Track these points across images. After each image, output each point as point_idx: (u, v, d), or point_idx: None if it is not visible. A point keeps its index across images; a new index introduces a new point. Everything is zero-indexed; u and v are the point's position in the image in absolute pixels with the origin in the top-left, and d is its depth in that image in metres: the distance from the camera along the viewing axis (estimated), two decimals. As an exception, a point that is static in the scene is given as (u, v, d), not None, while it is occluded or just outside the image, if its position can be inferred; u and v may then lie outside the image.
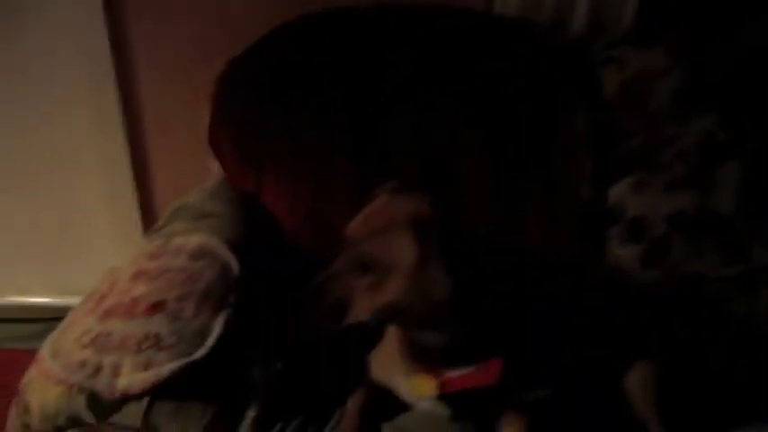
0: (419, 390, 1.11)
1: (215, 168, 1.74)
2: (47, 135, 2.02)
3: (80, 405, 0.98)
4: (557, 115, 1.71)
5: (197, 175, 1.77)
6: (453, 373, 1.07)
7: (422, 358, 1.08)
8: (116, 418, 0.99)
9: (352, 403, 1.13)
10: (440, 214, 0.98)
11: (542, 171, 1.69)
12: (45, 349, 1.07)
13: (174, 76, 1.94)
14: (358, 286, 0.93)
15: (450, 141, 1.67)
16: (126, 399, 0.98)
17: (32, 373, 1.06)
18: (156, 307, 1.10)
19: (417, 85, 1.69)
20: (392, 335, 1.16)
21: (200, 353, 1.05)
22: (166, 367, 1.00)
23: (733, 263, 1.57)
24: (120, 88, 1.93)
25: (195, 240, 1.33)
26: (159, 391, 0.99)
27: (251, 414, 1.05)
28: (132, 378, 0.99)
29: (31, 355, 1.10)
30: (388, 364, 1.16)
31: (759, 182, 1.56)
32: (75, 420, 0.99)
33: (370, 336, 1.19)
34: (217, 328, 1.11)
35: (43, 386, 1.01)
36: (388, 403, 1.15)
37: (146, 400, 0.99)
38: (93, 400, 0.98)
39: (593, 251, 1.67)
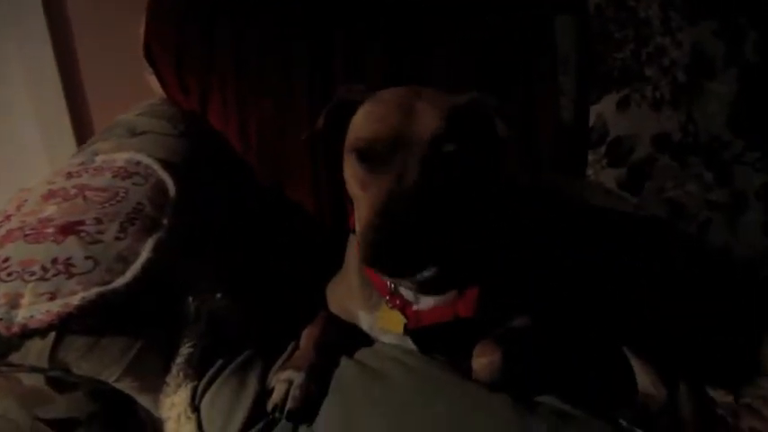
0: (386, 323, 0.99)
1: (154, 85, 1.54)
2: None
3: (-30, 343, 0.81)
4: (537, 27, 1.55)
5: (136, 95, 1.57)
6: (421, 307, 0.97)
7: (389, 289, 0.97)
8: (16, 357, 0.82)
9: (307, 336, 1.00)
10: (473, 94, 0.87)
11: (522, 88, 1.55)
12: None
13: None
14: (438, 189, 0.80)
15: (423, 50, 1.50)
16: (27, 334, 0.81)
17: None
18: (68, 228, 0.93)
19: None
20: (351, 264, 1.03)
21: (121, 281, 0.88)
22: (77, 296, 0.83)
23: (718, 187, 1.48)
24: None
25: (122, 158, 1.15)
26: (68, 325, 0.82)
27: (185, 350, 0.90)
28: (34, 309, 0.81)
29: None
30: (347, 296, 1.05)
31: (753, 96, 1.44)
32: (-37, 361, 0.83)
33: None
34: (144, 252, 0.94)
35: None
36: (345, 336, 1.02)
37: (52, 336, 0.82)
38: (-13, 336, 0.81)
39: (574, 175, 1.55)
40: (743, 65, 1.46)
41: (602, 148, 1.54)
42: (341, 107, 0.91)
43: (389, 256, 0.75)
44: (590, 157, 1.55)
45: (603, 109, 1.54)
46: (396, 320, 0.98)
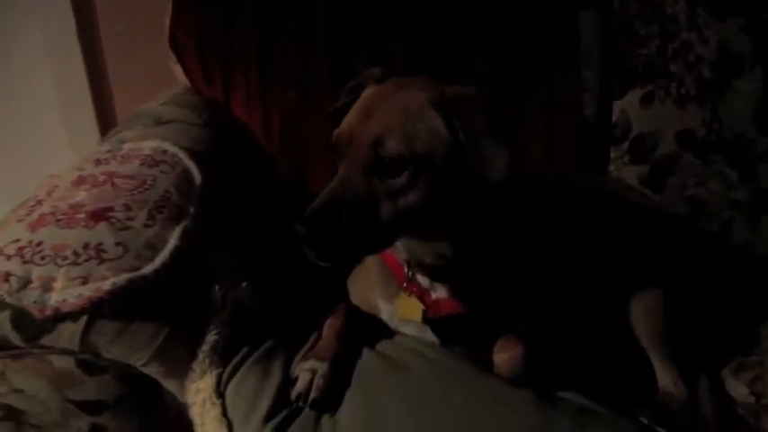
0: (405, 311, 1.00)
1: (178, 74, 1.56)
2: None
3: (4, 324, 0.82)
4: (561, 21, 1.54)
5: (159, 84, 1.58)
6: (439, 295, 0.98)
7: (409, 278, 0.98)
8: (48, 339, 0.84)
9: (329, 326, 1.01)
10: (473, 89, 0.84)
11: (544, 83, 1.54)
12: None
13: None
14: (382, 190, 0.81)
15: (445, 41, 1.49)
16: (59, 317, 0.83)
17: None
18: (98, 214, 0.94)
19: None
20: (371, 257, 1.04)
21: (150, 267, 0.90)
22: (108, 281, 0.85)
23: (741, 185, 1.46)
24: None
25: (149, 146, 1.16)
26: (99, 309, 0.84)
27: (211, 338, 0.92)
28: (66, 293, 0.83)
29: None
30: (368, 286, 1.06)
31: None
32: (-1, 342, 0.84)
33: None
34: (172, 240, 0.96)
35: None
36: (367, 327, 1.04)
37: (83, 319, 0.83)
38: (21, 318, 0.82)
39: (596, 171, 1.54)
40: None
41: (625, 145, 1.53)
42: (360, 87, 0.93)
43: (308, 243, 0.78)
44: (612, 154, 1.54)
45: (627, 105, 1.52)
46: (414, 308, 0.99)
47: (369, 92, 0.90)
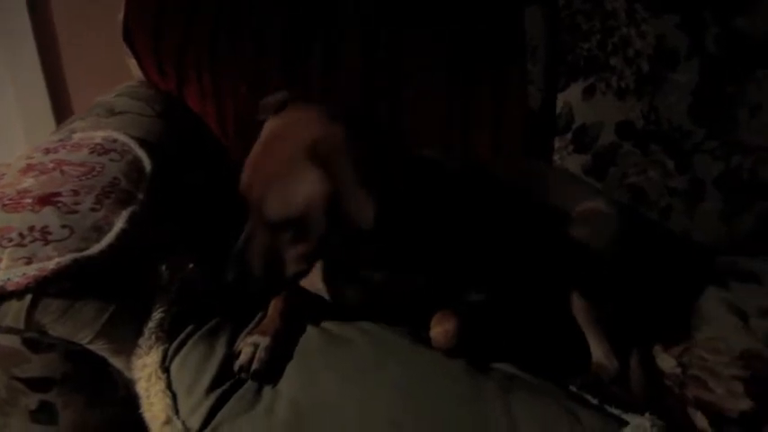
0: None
1: (134, 68, 1.58)
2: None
3: (-51, 304, 0.85)
4: (508, 16, 1.60)
5: (115, 78, 1.60)
6: (380, 278, 1.02)
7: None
8: (-7, 318, 0.86)
9: (274, 305, 1.05)
10: (344, 130, 0.86)
11: (491, 77, 1.59)
12: None
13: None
14: (281, 242, 0.88)
15: (397, 39, 1.54)
16: (4, 296, 0.85)
17: None
18: (45, 199, 0.96)
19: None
20: None
21: (95, 248, 0.92)
22: (53, 261, 0.87)
23: (678, 174, 1.53)
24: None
25: (100, 135, 1.18)
26: (44, 288, 0.86)
27: (158, 315, 0.95)
28: (11, 272, 0.85)
29: None
30: (315, 269, 1.09)
31: (713, 87, 1.50)
32: (-59, 322, 0.86)
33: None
34: (119, 223, 0.98)
35: None
36: (311, 306, 1.08)
37: (28, 298, 0.86)
38: (-36, 297, 0.85)
39: (541, 160, 1.61)
40: (704, 56, 1.50)
41: (569, 135, 1.59)
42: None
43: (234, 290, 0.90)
44: (556, 144, 1.60)
45: (570, 97, 1.58)
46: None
47: (264, 131, 0.94)
